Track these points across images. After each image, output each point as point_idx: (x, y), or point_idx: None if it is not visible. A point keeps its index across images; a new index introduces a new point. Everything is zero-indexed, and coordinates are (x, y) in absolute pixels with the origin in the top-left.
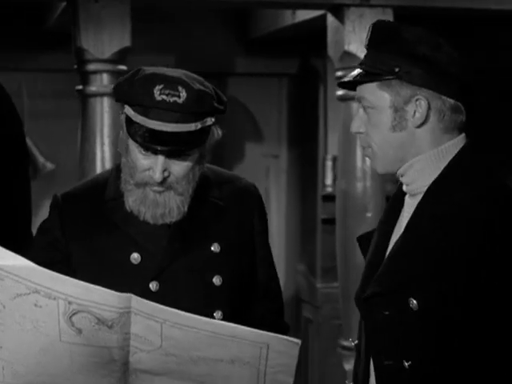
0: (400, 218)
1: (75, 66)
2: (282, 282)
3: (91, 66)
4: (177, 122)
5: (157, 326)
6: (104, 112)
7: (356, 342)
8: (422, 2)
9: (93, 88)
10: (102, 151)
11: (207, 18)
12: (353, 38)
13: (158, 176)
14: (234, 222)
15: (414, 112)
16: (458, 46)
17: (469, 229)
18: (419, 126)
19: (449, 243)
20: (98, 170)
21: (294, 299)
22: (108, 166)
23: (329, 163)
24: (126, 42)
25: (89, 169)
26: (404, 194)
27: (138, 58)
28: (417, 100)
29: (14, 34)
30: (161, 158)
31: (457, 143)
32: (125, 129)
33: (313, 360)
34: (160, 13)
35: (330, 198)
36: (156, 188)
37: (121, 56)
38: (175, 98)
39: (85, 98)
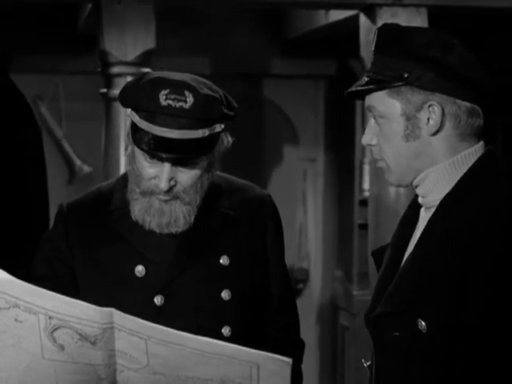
0: (415, 232)
1: (99, 69)
2: (318, 289)
3: (115, 69)
4: (183, 128)
5: (141, 342)
6: (128, 115)
7: (369, 362)
8: (457, 1)
9: (116, 91)
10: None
11: (242, 19)
12: None
13: (163, 185)
14: (245, 233)
15: (428, 119)
16: (494, 45)
17: (483, 247)
18: (434, 134)
19: (460, 262)
20: (121, 170)
21: (330, 306)
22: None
23: (366, 167)
24: (150, 43)
25: (112, 173)
26: (420, 206)
27: (173, 59)
28: (430, 106)
29: (51, 37)
30: (167, 166)
31: (475, 152)
32: (130, 136)
33: (349, 367)
34: (194, 14)
35: (367, 203)
36: (162, 197)
37: (145, 58)
38: (181, 104)
39: (109, 102)
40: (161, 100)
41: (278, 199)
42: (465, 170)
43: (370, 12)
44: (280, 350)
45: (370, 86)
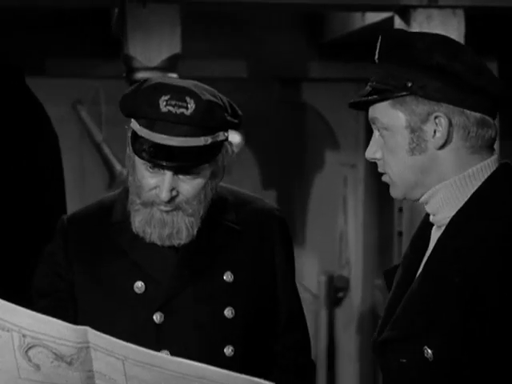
0: (427, 252)
1: (124, 75)
2: (358, 297)
3: (139, 75)
4: (185, 135)
5: (118, 363)
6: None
7: None
8: (495, 2)
9: None
10: None
11: (279, 23)
12: None
13: (164, 195)
14: (252, 248)
15: (434, 131)
16: None
17: (494, 268)
18: (441, 148)
19: (470, 286)
20: None
21: (371, 315)
22: None
23: None
24: (176, 48)
25: None
26: (432, 224)
27: (209, 63)
28: (436, 117)
29: (90, 41)
30: (168, 176)
31: (487, 166)
32: (130, 145)
33: None
34: (231, 17)
35: None
36: (163, 208)
37: (170, 63)
38: (182, 110)
39: None
40: (161, 106)
41: (319, 205)
42: (477, 186)
43: (405, 14)
44: (284, 379)
45: (372, 97)
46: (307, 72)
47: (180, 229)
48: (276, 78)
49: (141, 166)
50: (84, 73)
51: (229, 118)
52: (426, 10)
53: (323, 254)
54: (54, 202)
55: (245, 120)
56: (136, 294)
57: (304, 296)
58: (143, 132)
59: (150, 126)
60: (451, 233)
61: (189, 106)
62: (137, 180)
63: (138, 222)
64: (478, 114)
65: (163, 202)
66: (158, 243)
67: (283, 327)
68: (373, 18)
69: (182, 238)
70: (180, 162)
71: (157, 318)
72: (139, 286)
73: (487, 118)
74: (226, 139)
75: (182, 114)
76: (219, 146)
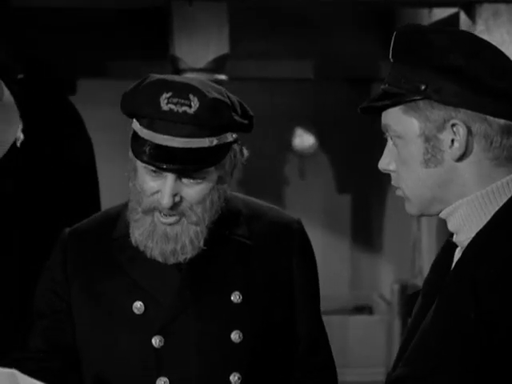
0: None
1: None
2: None
3: (186, 76)
4: (188, 136)
5: None
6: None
7: None
8: None
9: None
10: None
11: (346, 20)
12: (485, 38)
13: (166, 200)
14: (265, 265)
15: (452, 141)
16: None
17: None
18: (460, 159)
19: (487, 324)
20: None
21: None
22: None
23: None
24: (224, 48)
25: None
26: (455, 245)
27: (273, 63)
28: (453, 125)
29: (133, 43)
30: (170, 179)
31: None
32: (130, 147)
33: None
34: (297, 15)
35: None
36: (165, 220)
37: (218, 64)
38: (185, 108)
39: None
40: (162, 104)
41: (394, 211)
42: (502, 203)
43: (470, 9)
44: None
45: (383, 102)
46: (377, 72)
47: (184, 244)
48: (344, 78)
49: (142, 169)
50: (126, 75)
51: (237, 117)
52: (493, 4)
53: (398, 261)
54: (88, 204)
55: (316, 122)
56: (135, 314)
57: (380, 305)
58: (143, 132)
59: (150, 126)
60: (468, 259)
61: (192, 103)
62: (138, 185)
63: (138, 234)
64: (502, 121)
65: (165, 209)
66: (160, 260)
67: (302, 353)
68: (439, 14)
69: (187, 253)
70: (182, 164)
71: (156, 341)
72: (138, 306)
73: None
74: (235, 141)
75: (185, 112)
76: (226, 148)
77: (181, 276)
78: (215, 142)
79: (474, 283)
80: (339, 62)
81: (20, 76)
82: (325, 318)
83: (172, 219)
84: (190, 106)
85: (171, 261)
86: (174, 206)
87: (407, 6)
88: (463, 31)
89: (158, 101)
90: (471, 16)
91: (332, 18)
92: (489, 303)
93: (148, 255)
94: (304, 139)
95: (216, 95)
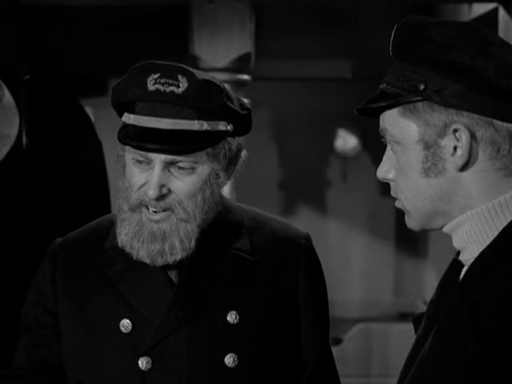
0: None
1: None
2: None
3: None
4: (175, 116)
5: None
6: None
7: None
8: None
9: None
10: None
11: (384, 18)
12: None
13: (152, 190)
14: (267, 283)
15: (455, 148)
16: None
17: None
18: (463, 169)
19: (487, 354)
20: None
21: None
22: (225, 192)
23: None
24: (246, 47)
25: None
26: (462, 264)
27: (309, 63)
28: (455, 130)
29: (151, 42)
30: (157, 167)
31: None
32: (118, 141)
33: None
34: (335, 14)
35: None
36: (153, 217)
37: (241, 64)
38: (173, 88)
39: None
40: (148, 85)
41: None
42: (511, 218)
43: (509, 4)
44: None
45: (378, 104)
46: None
47: (173, 244)
48: (382, 77)
49: (130, 162)
50: None
51: (231, 105)
52: None
53: (443, 267)
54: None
55: (358, 123)
56: (122, 333)
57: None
58: (130, 118)
59: (137, 110)
60: (470, 281)
61: (180, 84)
62: (126, 182)
63: (124, 234)
64: (511, 126)
65: (152, 201)
66: (147, 261)
67: (308, 378)
68: (479, 9)
69: (177, 254)
70: (168, 144)
71: (142, 363)
72: (125, 324)
73: None
74: (230, 133)
75: (172, 92)
76: (218, 137)
77: (173, 292)
78: (205, 126)
79: (474, 310)
80: (377, 61)
81: (26, 77)
82: (367, 325)
83: (160, 216)
84: (177, 86)
85: (159, 262)
86: (162, 199)
87: (446, 2)
88: (469, 24)
89: (145, 81)
90: (510, 11)
91: (369, 15)
92: (490, 335)
93: (135, 257)
94: (346, 141)
95: (207, 77)
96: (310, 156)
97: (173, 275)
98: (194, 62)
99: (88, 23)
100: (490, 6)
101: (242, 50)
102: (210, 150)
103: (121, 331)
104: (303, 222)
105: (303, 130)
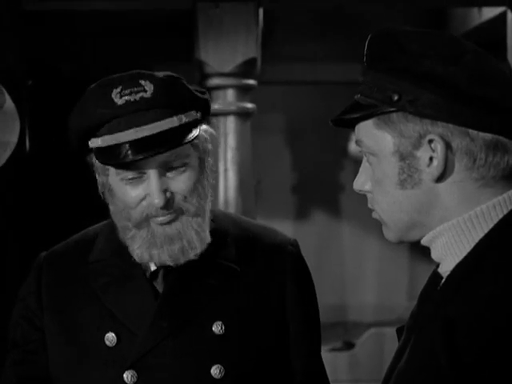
0: None
1: (197, 81)
2: None
3: (212, 81)
4: (154, 120)
5: None
6: (228, 133)
7: None
8: None
9: (215, 106)
10: (226, 178)
11: (397, 22)
12: None
13: (158, 199)
14: (253, 292)
15: (430, 159)
16: None
17: (495, 345)
18: (439, 180)
19: (460, 373)
20: (221, 199)
21: None
22: (232, 195)
23: None
24: (252, 52)
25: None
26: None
27: (322, 66)
28: (430, 141)
29: (156, 47)
30: (153, 176)
31: (503, 203)
32: (98, 166)
33: None
34: (346, 17)
35: None
36: (162, 219)
37: (247, 69)
38: (141, 94)
39: None
40: (116, 100)
41: None
42: (488, 229)
43: None
44: None
45: (352, 115)
46: None
47: (190, 239)
48: None
49: (118, 184)
50: None
51: (196, 92)
52: None
53: None
54: None
55: None
56: (107, 347)
57: None
58: (107, 140)
59: (112, 129)
60: (446, 293)
61: (146, 88)
62: (120, 204)
63: (137, 248)
64: (488, 135)
65: (160, 210)
66: (171, 263)
67: None
68: (488, 13)
69: (196, 248)
70: (159, 147)
71: (127, 377)
72: (110, 338)
73: (502, 139)
74: (201, 121)
75: (142, 98)
76: (196, 125)
77: (158, 304)
78: (184, 119)
79: (449, 325)
80: None
81: (29, 82)
82: (379, 330)
83: (169, 217)
84: (145, 91)
85: (181, 260)
86: (169, 204)
87: (456, 6)
88: (443, 33)
89: (111, 98)
90: None
91: (381, 19)
92: (465, 351)
93: (157, 264)
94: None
95: (164, 74)
96: (323, 160)
97: (158, 286)
98: (200, 66)
99: (91, 28)
100: (499, 9)
101: (247, 55)
102: (195, 140)
103: (106, 345)
104: (316, 225)
105: (316, 133)
